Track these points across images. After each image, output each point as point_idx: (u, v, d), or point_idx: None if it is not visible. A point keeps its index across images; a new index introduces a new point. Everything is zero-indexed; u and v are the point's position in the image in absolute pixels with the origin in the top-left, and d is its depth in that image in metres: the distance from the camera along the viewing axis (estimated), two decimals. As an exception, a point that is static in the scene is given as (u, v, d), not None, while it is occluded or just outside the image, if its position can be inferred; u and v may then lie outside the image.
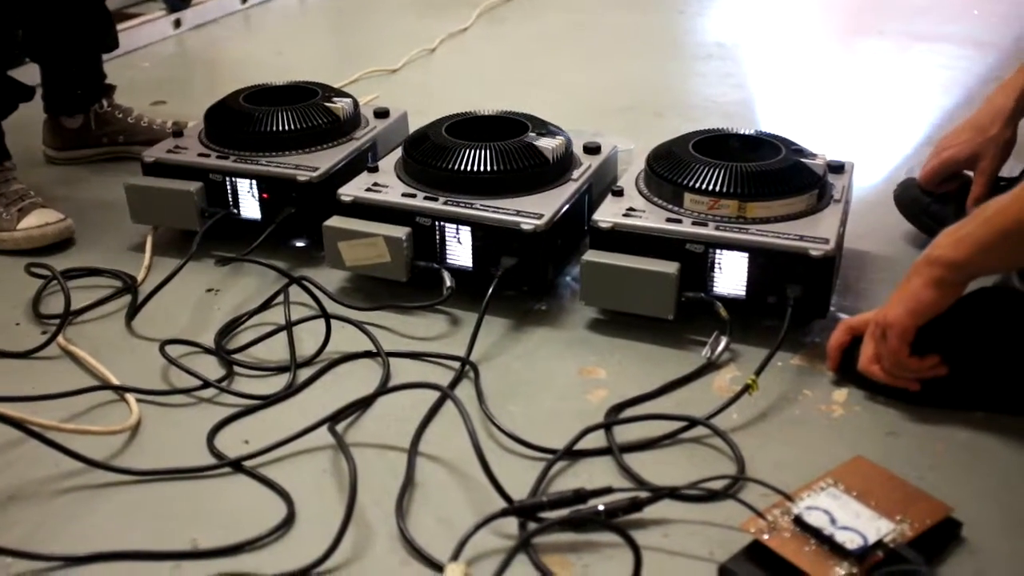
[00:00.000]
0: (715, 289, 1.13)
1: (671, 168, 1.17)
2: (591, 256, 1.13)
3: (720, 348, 1.09)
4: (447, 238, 1.19)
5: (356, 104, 1.43)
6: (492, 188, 1.20)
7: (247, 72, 2.19)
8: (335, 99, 1.40)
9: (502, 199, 1.19)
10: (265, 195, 1.31)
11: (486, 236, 1.17)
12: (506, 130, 1.30)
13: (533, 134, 1.26)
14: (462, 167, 1.20)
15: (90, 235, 1.40)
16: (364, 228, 1.19)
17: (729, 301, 1.12)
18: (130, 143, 1.66)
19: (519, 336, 1.16)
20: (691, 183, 1.14)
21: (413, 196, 1.20)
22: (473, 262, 1.19)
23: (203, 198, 1.32)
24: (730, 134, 1.27)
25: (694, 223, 1.13)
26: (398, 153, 1.31)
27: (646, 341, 1.14)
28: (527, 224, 1.14)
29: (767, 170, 1.15)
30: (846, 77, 2.14)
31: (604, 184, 1.32)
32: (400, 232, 1.17)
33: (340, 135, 1.37)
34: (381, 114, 1.46)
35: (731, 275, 1.12)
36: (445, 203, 1.18)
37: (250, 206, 1.32)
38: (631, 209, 1.16)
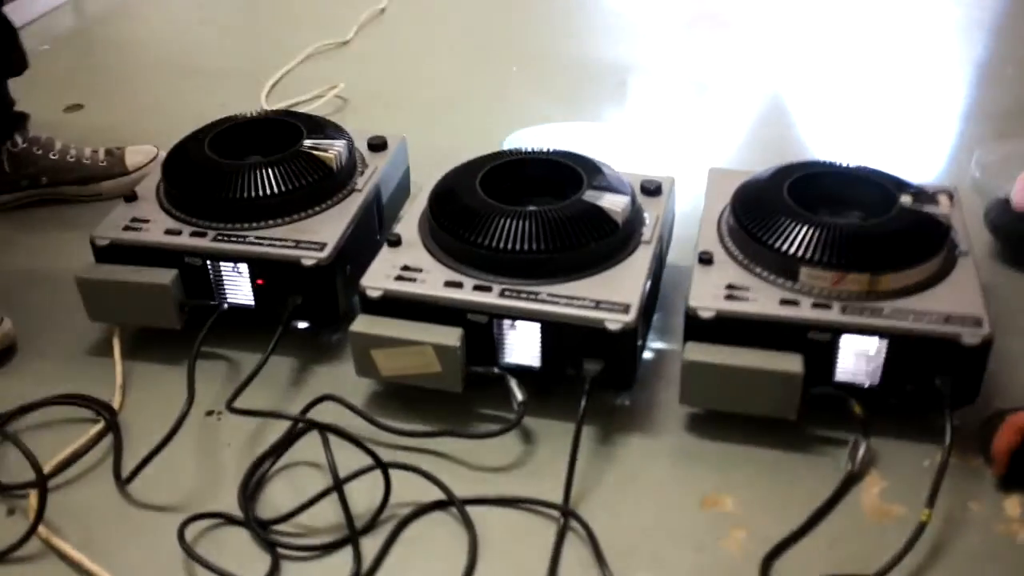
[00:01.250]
0: (840, 377, 0.95)
1: (774, 230, 0.96)
2: (694, 354, 0.92)
3: (860, 455, 0.91)
4: (506, 335, 0.97)
5: (351, 144, 1.16)
6: (556, 270, 0.97)
7: (171, 55, 1.87)
8: (325, 142, 1.13)
9: (569, 283, 0.96)
10: (260, 280, 1.05)
11: (560, 335, 0.95)
12: (554, 180, 1.07)
13: (593, 191, 1.02)
14: (518, 246, 0.97)
15: (33, 333, 1.12)
16: (402, 332, 0.95)
17: (858, 389, 0.94)
18: (56, 183, 1.36)
19: (612, 451, 0.95)
20: (809, 254, 0.94)
21: (459, 286, 0.97)
22: (542, 362, 0.98)
23: (180, 289, 1.05)
24: (821, 170, 1.06)
25: (815, 305, 0.93)
26: (416, 213, 1.07)
27: (763, 444, 0.95)
28: (614, 323, 0.92)
29: (897, 229, 0.95)
30: (847, 38, 1.92)
31: (667, 234, 1.10)
32: (452, 337, 0.94)
33: (338, 188, 1.11)
34: (377, 146, 1.20)
35: (862, 363, 0.93)
36: (504, 294, 0.95)
37: (240, 292, 1.07)
38: (732, 287, 0.95)
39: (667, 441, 0.96)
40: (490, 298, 0.95)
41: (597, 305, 0.94)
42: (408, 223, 1.06)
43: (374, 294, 0.98)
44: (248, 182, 1.07)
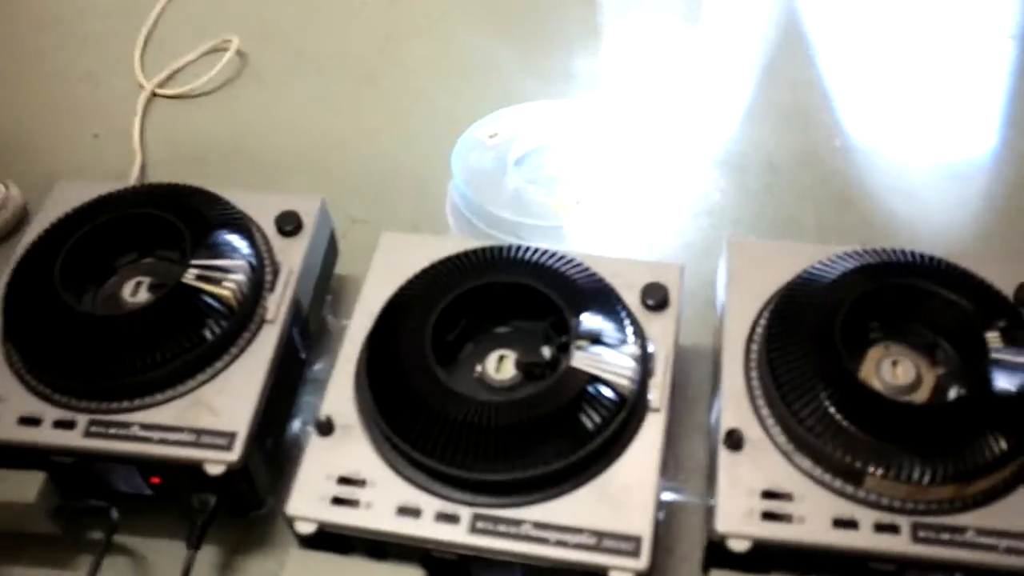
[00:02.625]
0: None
1: (829, 416, 0.73)
2: None
3: None
4: (484, 571, 0.76)
5: (253, 242, 0.87)
6: (544, 484, 0.74)
7: None
8: (218, 266, 0.84)
9: (560, 499, 0.73)
10: (154, 479, 0.81)
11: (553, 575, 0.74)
12: (525, 300, 0.82)
13: (584, 344, 0.77)
14: (494, 462, 0.73)
15: None
16: (350, 579, 0.74)
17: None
18: None
19: None
20: (881, 462, 0.71)
21: (417, 514, 0.74)
22: (530, 590, 0.77)
23: (52, 492, 0.81)
24: (891, 279, 0.80)
25: (880, 527, 0.71)
26: (350, 368, 0.81)
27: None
28: (622, 573, 0.71)
29: (1000, 408, 0.72)
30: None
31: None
32: (414, 591, 0.73)
33: (241, 327, 0.84)
34: (289, 230, 0.91)
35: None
36: (476, 528, 0.73)
37: (132, 484, 0.82)
38: (771, 495, 0.73)
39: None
40: (458, 534, 0.73)
41: (599, 543, 0.72)
42: (340, 385, 0.81)
43: (306, 529, 0.74)
44: (120, 347, 0.80)
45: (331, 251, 0.97)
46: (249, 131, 1.21)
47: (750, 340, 0.81)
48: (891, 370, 0.78)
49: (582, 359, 0.76)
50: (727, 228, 1.05)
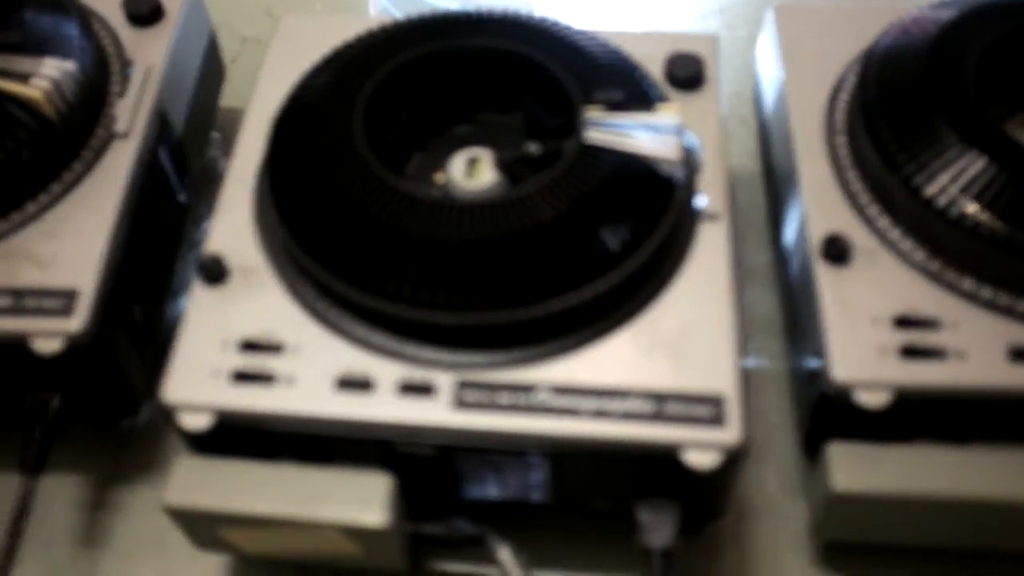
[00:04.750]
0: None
1: (984, 205, 0.48)
2: (847, 478, 0.46)
3: None
4: (478, 470, 0.49)
5: (87, 34, 0.58)
6: (563, 324, 0.48)
7: None
8: (23, 64, 0.54)
9: (589, 348, 0.47)
10: (-46, 373, 0.53)
11: (587, 472, 0.48)
12: (497, 80, 0.55)
13: (597, 117, 0.50)
14: (488, 293, 0.46)
15: None
16: (268, 503, 0.46)
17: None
18: None
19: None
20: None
21: (365, 386, 0.47)
22: (554, 498, 0.51)
23: None
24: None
25: (1075, 355, 0.48)
26: (245, 188, 0.54)
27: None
28: (703, 452, 0.45)
29: None
30: None
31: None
32: (372, 505, 0.46)
33: (74, 146, 0.55)
34: (144, 16, 0.61)
35: None
36: (463, 401, 0.46)
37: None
38: (907, 322, 0.48)
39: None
40: (436, 413, 0.46)
41: (658, 411, 0.46)
42: (233, 212, 0.53)
43: (197, 423, 0.47)
44: None
45: (212, 62, 0.69)
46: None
47: (830, 126, 0.56)
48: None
49: (601, 131, 0.50)
50: (744, 29, 0.81)
